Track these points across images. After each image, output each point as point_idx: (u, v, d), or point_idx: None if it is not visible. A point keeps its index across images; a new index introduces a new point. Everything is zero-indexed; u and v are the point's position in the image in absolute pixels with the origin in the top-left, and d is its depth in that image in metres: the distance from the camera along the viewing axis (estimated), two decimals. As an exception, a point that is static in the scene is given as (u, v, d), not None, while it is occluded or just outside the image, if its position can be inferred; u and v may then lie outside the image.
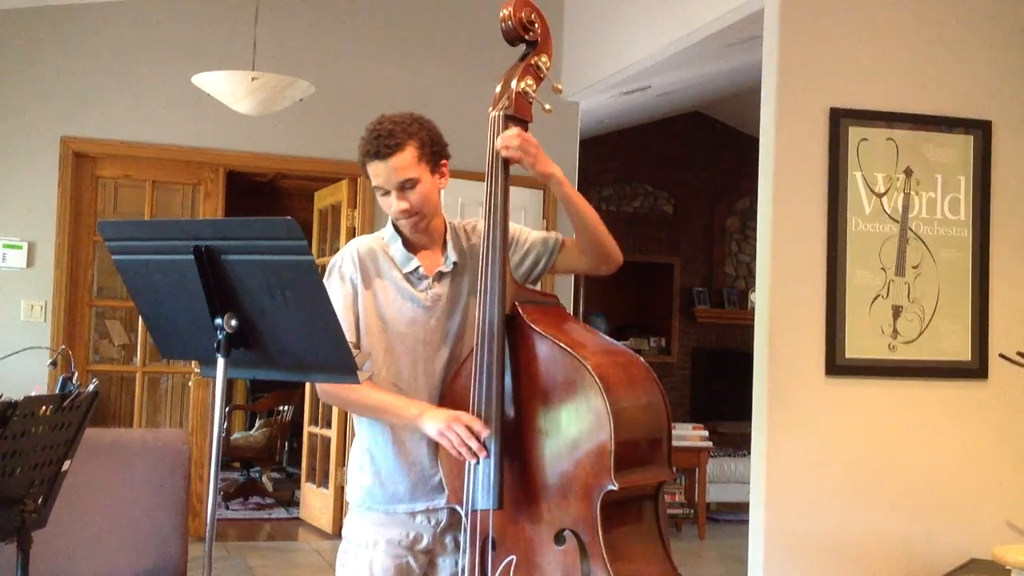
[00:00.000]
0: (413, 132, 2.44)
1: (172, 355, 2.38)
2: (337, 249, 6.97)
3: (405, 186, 2.44)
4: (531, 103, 2.52)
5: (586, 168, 7.97)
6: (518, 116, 2.49)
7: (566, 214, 2.55)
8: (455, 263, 2.56)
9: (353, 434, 2.65)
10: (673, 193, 10.94)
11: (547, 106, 2.54)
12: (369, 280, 2.53)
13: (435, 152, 2.49)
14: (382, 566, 2.51)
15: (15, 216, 6.24)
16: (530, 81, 2.51)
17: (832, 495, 4.25)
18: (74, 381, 2.34)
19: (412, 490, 2.52)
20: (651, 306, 10.94)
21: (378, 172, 2.44)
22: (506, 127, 2.47)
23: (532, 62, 2.53)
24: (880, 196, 4.29)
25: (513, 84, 2.49)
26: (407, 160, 2.43)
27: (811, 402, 4.26)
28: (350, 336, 2.48)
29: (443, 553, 2.55)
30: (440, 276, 2.55)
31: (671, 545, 2.46)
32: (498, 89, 2.52)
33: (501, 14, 2.51)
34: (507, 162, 2.46)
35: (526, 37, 2.53)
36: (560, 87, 2.61)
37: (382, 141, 2.42)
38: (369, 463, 2.56)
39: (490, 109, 2.50)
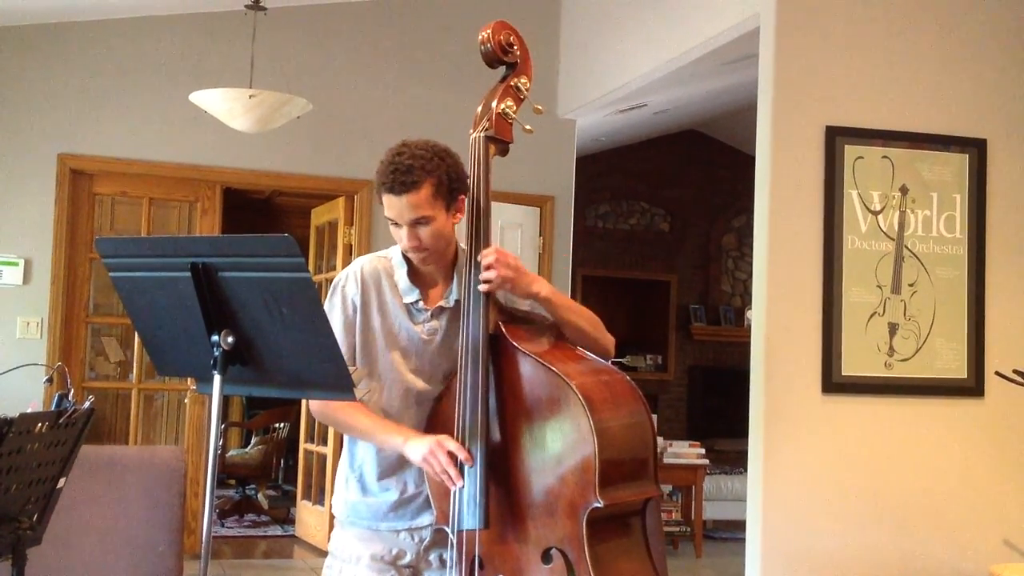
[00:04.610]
0: (431, 169, 2.36)
1: (168, 372, 2.37)
2: (334, 266, 6.98)
3: (418, 223, 2.38)
4: (511, 124, 2.51)
5: (583, 185, 7.99)
6: (499, 137, 2.49)
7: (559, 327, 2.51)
8: (457, 300, 2.48)
9: (347, 451, 2.64)
10: (670, 211, 10.96)
11: (527, 126, 2.52)
12: (369, 304, 2.51)
13: (452, 189, 2.41)
14: None
15: (12, 233, 6.24)
16: (510, 103, 2.51)
17: (828, 512, 4.24)
18: (70, 398, 2.33)
19: (395, 508, 2.51)
20: (647, 324, 10.93)
21: (391, 205, 2.38)
22: (486, 148, 2.47)
23: (512, 83, 2.53)
24: (876, 214, 4.30)
25: (493, 105, 2.50)
26: (422, 199, 2.36)
27: (807, 420, 4.26)
28: (347, 359, 2.47)
29: (428, 569, 2.54)
30: (440, 311, 2.51)
31: (667, 564, 2.45)
32: (479, 111, 2.51)
33: (480, 37, 2.51)
34: (488, 183, 2.45)
35: (505, 59, 2.53)
36: (540, 108, 2.57)
37: (398, 176, 2.34)
38: (355, 479, 2.56)
39: (471, 131, 2.49)
